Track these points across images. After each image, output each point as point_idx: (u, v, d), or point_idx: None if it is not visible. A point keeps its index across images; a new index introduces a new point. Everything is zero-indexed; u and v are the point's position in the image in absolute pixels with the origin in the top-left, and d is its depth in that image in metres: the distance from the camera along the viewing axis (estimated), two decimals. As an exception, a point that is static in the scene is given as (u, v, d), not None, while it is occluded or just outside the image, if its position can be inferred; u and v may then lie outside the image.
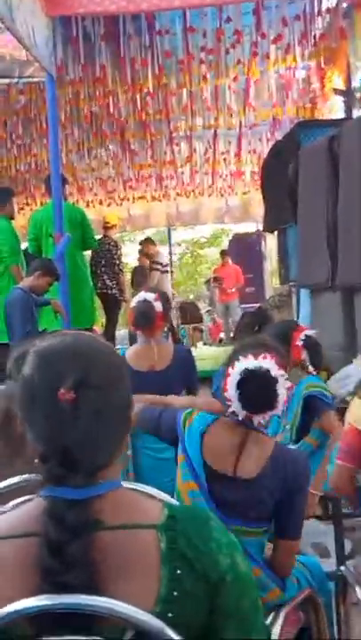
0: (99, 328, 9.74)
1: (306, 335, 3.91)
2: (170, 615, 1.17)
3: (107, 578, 1.17)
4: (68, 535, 1.17)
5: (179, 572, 1.20)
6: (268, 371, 2.26)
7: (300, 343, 3.83)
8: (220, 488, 2.30)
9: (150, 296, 4.13)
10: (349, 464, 2.62)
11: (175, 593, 1.19)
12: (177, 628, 1.15)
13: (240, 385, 2.27)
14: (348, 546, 3.88)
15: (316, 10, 6.95)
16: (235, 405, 2.29)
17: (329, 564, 3.68)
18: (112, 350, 1.38)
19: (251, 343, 2.46)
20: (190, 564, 1.21)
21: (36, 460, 1.27)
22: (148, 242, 11.67)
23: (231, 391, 2.28)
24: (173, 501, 1.50)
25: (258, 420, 2.32)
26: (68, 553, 1.16)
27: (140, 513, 1.26)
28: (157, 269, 10.96)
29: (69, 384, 1.23)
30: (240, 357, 2.30)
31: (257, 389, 2.27)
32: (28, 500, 1.30)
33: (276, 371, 2.26)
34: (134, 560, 1.20)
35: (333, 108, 8.57)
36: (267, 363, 2.27)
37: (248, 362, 2.28)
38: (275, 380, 2.26)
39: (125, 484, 1.31)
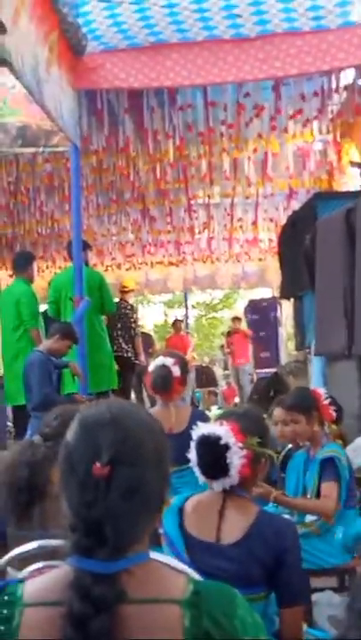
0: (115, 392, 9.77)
1: (327, 394, 3.95)
2: None
3: None
4: (93, 610, 1.17)
5: None
6: (219, 438, 2.27)
7: (327, 402, 3.85)
8: (204, 557, 2.25)
9: (169, 361, 4.19)
10: None
11: None
12: None
13: (196, 449, 2.31)
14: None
15: (333, 86, 7.16)
16: (196, 470, 2.32)
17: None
18: (155, 426, 1.37)
19: (227, 411, 2.51)
20: None
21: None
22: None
23: (192, 456, 2.32)
24: (197, 576, 1.50)
25: (217, 486, 2.32)
26: (91, 628, 1.16)
27: (165, 587, 1.25)
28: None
29: (105, 459, 1.24)
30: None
31: (207, 456, 2.30)
32: (54, 567, 1.31)
33: (228, 438, 2.27)
34: (157, 635, 1.19)
35: (350, 181, 8.75)
36: (220, 429, 2.29)
37: (205, 427, 2.33)
38: (224, 448, 2.27)
39: (153, 555, 1.30)
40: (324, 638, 2.67)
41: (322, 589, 3.97)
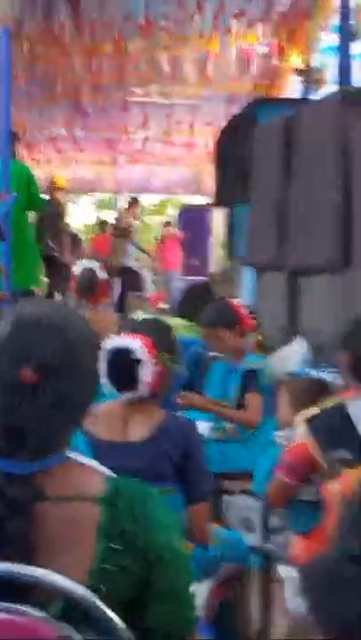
0: (40, 290, 9.65)
1: (244, 304, 4.00)
2: (102, 588, 1.18)
3: (44, 548, 1.18)
4: (8, 511, 1.17)
5: (116, 546, 1.20)
6: (132, 351, 2.31)
7: (245, 311, 3.89)
8: (113, 457, 2.25)
9: (94, 264, 4.13)
10: (291, 481, 2.52)
11: (110, 567, 1.20)
12: (109, 601, 1.17)
13: (107, 361, 2.32)
14: (274, 522, 3.96)
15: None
16: (104, 380, 2.33)
17: (255, 539, 3.77)
18: (91, 337, 1.34)
19: (135, 322, 2.57)
20: (129, 539, 1.22)
21: None
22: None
23: (101, 365, 2.32)
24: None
25: (126, 397, 2.36)
26: (7, 528, 1.17)
27: (83, 486, 1.25)
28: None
29: (35, 365, 1.20)
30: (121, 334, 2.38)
31: (118, 368, 2.32)
32: None
33: (141, 353, 2.30)
34: (72, 532, 1.21)
35: (291, 87, 8.60)
36: (133, 344, 2.32)
37: (118, 340, 2.34)
38: (136, 362, 2.30)
39: (72, 455, 1.30)
40: (230, 535, 2.76)
41: (236, 493, 4.10)
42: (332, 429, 2.35)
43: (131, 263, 10.95)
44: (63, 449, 1.28)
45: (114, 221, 15.54)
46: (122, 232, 10.95)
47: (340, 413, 2.34)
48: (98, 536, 1.20)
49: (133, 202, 11.64)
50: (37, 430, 1.21)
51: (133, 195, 12.69)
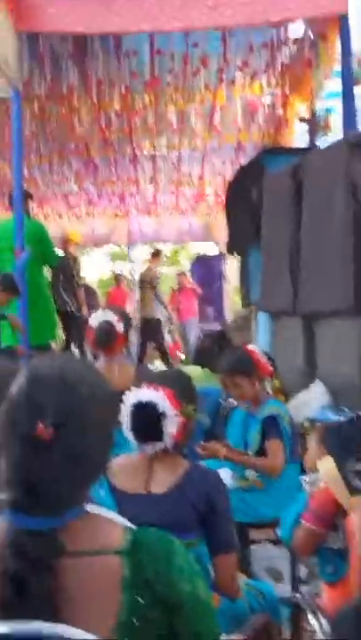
0: (56, 344, 9.70)
1: (261, 350, 4.00)
2: None
3: (68, 604, 1.17)
4: (30, 568, 1.16)
5: (140, 598, 1.19)
6: (156, 404, 2.30)
7: (263, 358, 3.89)
8: (135, 509, 2.22)
9: (111, 316, 4.14)
10: (317, 528, 2.47)
11: (134, 620, 1.18)
12: None
13: (131, 415, 2.32)
14: (302, 571, 3.90)
15: (283, 39, 7.07)
16: (127, 433, 2.34)
17: (283, 590, 3.70)
18: (105, 389, 1.33)
19: (157, 374, 2.55)
20: (152, 589, 1.20)
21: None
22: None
23: (124, 419, 2.33)
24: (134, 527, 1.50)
25: (149, 450, 2.36)
26: (30, 587, 1.15)
27: (104, 539, 1.24)
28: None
29: (50, 420, 1.20)
30: (142, 387, 2.37)
31: (143, 421, 2.32)
32: None
33: (164, 406, 2.30)
34: (95, 586, 1.19)
35: (297, 136, 8.71)
36: (156, 396, 2.32)
37: (141, 393, 2.34)
38: (161, 415, 2.30)
39: (90, 508, 1.29)
40: (261, 586, 2.72)
41: (261, 542, 4.04)
42: (347, 440, 2.32)
43: (159, 315, 11.00)
44: (81, 503, 1.27)
45: (129, 274, 15.73)
46: (149, 284, 10.96)
47: (356, 425, 2.31)
48: (121, 589, 1.19)
49: (156, 253, 11.70)
50: (52, 486, 1.20)
51: (149, 245, 12.81)
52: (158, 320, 11.03)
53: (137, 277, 12.48)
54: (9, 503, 1.22)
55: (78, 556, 1.20)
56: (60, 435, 1.20)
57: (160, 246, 13.33)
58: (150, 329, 10.96)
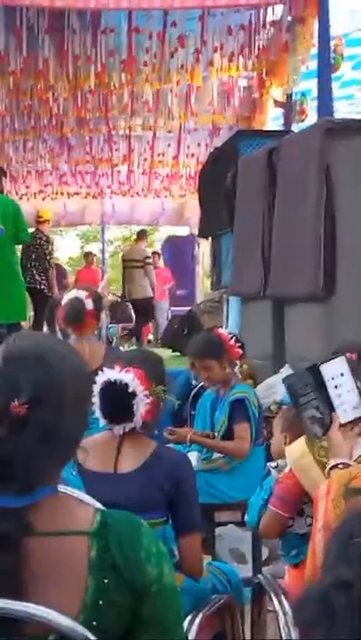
0: (26, 323, 9.64)
1: (231, 333, 4.01)
2: (94, 623, 1.17)
3: (34, 583, 1.17)
4: None
5: (106, 580, 1.19)
6: (126, 384, 2.31)
7: (232, 341, 3.89)
8: (103, 487, 2.25)
9: (82, 294, 4.11)
10: (284, 512, 2.49)
11: (101, 602, 1.18)
12: (100, 635, 1.16)
13: (101, 394, 2.32)
14: (264, 552, 3.94)
15: (261, 21, 7.04)
16: (98, 413, 2.34)
17: (246, 570, 3.74)
18: (82, 368, 1.33)
19: (128, 355, 2.55)
20: (119, 572, 1.21)
21: None
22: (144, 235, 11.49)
23: (95, 398, 2.32)
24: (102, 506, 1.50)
25: (118, 429, 2.36)
26: None
27: (73, 519, 1.24)
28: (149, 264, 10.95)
29: (24, 398, 1.20)
30: (112, 367, 2.37)
31: (113, 401, 2.33)
32: None
33: (135, 386, 2.31)
34: (62, 567, 1.19)
35: (272, 120, 8.72)
36: (127, 376, 2.32)
37: (111, 373, 2.34)
38: (130, 395, 2.31)
39: (61, 489, 1.28)
40: (226, 569, 2.74)
41: (226, 524, 4.08)
42: (303, 389, 2.33)
43: (150, 293, 10.81)
44: (53, 482, 1.27)
45: (100, 252, 15.65)
46: (139, 262, 10.75)
47: (310, 373, 2.32)
48: (88, 570, 1.19)
49: (142, 232, 11.49)
50: (26, 463, 1.20)
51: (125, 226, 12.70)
52: (151, 298, 10.83)
53: (120, 257, 12.30)
54: None
55: (46, 536, 1.19)
56: (33, 412, 1.19)
57: (134, 228, 13.25)
58: (143, 308, 10.82)
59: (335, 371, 2.26)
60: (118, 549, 1.21)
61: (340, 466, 2.08)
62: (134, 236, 11.88)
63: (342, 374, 2.26)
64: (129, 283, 10.84)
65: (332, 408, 2.22)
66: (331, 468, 2.11)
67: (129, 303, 11.42)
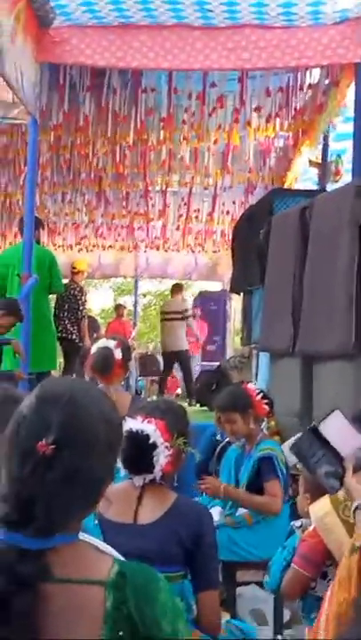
0: (56, 372, 9.71)
1: (259, 389, 3.99)
2: None
3: (47, 630, 1.16)
4: (15, 587, 1.15)
5: (121, 633, 1.18)
6: (147, 435, 2.31)
7: (259, 397, 3.87)
8: (122, 538, 2.23)
9: (111, 343, 4.15)
10: (307, 572, 2.44)
11: None
12: None
13: (123, 444, 2.31)
14: (286, 615, 3.84)
15: (298, 84, 7.18)
16: (119, 462, 2.31)
17: (267, 632, 3.65)
18: (112, 416, 1.33)
19: (150, 405, 2.53)
20: (134, 626, 1.19)
21: None
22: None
23: None
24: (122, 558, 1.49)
25: (138, 480, 2.35)
26: (13, 605, 1.15)
27: (91, 568, 1.23)
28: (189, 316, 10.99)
29: (52, 438, 1.21)
30: (134, 417, 2.37)
31: (133, 452, 2.31)
32: None
33: (156, 437, 2.31)
34: (77, 615, 1.18)
35: (307, 180, 8.81)
36: (148, 427, 2.32)
37: (133, 423, 2.34)
38: (151, 446, 2.30)
39: (82, 537, 1.28)
40: (244, 627, 2.68)
41: (248, 583, 3.99)
42: (310, 449, 2.32)
43: (186, 346, 10.75)
44: (74, 530, 1.26)
45: (133, 306, 15.77)
46: (180, 315, 10.69)
47: (312, 433, 2.32)
48: (103, 620, 1.18)
49: (178, 286, 11.48)
50: (48, 503, 1.20)
51: (174, 280, 12.69)
52: (187, 351, 10.78)
53: (159, 310, 12.30)
54: (1, 518, 1.21)
55: (63, 583, 1.19)
56: (61, 452, 1.20)
57: (166, 282, 13.32)
58: (178, 360, 10.72)
59: (334, 425, 2.28)
60: (134, 603, 1.20)
61: None
62: (168, 290, 11.91)
63: (341, 426, 2.29)
64: (167, 335, 10.81)
65: (341, 459, 2.24)
66: (356, 509, 2.11)
67: (160, 356, 11.42)
